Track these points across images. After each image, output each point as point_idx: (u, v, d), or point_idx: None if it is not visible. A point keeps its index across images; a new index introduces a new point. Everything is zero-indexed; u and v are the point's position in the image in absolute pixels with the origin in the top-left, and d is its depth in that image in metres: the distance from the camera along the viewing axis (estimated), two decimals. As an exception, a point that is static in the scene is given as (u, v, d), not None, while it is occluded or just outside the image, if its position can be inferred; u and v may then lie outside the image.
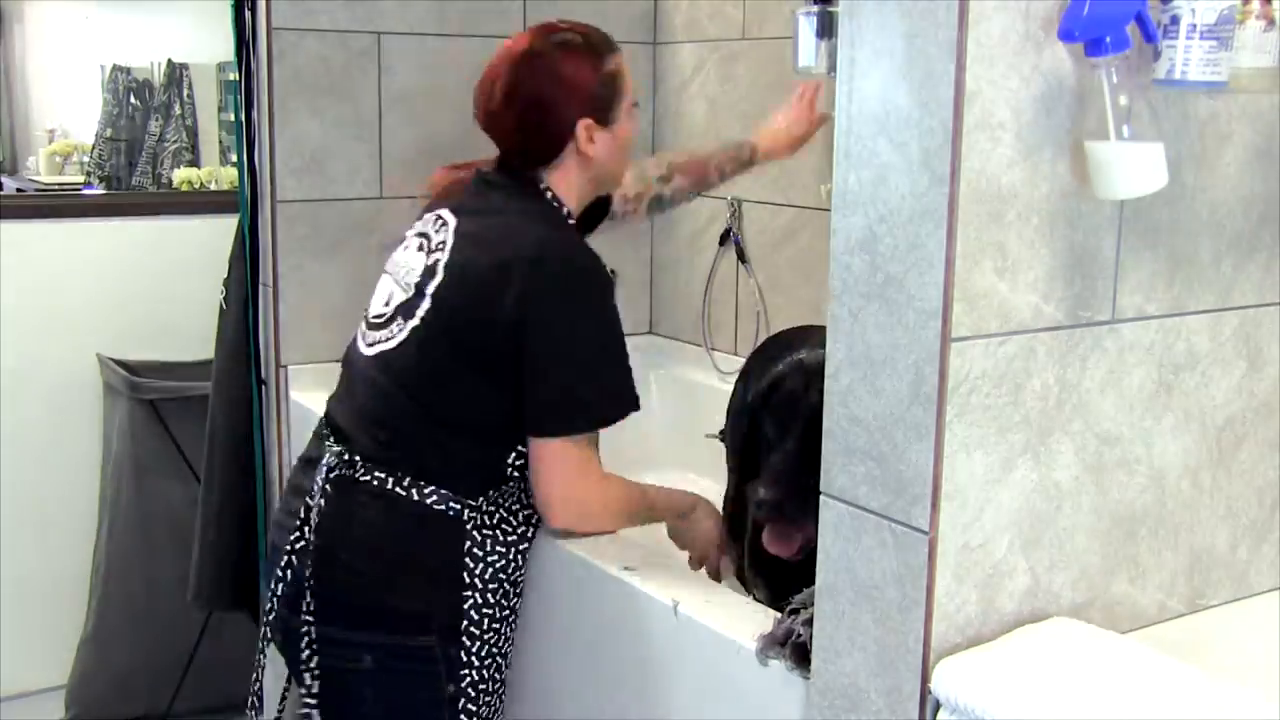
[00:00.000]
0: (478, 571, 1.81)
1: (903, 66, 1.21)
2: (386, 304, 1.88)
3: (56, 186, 4.70)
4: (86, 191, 4.48)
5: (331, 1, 2.54)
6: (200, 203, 3.49)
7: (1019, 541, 1.30)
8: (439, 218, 1.91)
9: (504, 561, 1.83)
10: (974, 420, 1.24)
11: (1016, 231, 1.23)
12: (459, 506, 1.79)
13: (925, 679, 1.25)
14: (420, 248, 1.89)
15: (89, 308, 3.13)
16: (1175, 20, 1.23)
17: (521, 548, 1.85)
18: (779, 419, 1.79)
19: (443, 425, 1.80)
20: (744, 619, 1.55)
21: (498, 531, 1.82)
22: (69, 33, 5.14)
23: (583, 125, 1.87)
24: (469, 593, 1.80)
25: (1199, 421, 1.44)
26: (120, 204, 3.52)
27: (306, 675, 1.83)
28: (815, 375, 1.72)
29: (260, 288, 2.59)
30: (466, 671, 1.82)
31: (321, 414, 1.96)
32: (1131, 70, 1.22)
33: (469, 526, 1.79)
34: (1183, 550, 1.46)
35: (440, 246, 1.85)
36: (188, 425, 2.93)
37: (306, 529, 1.82)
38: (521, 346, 1.74)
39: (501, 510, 1.83)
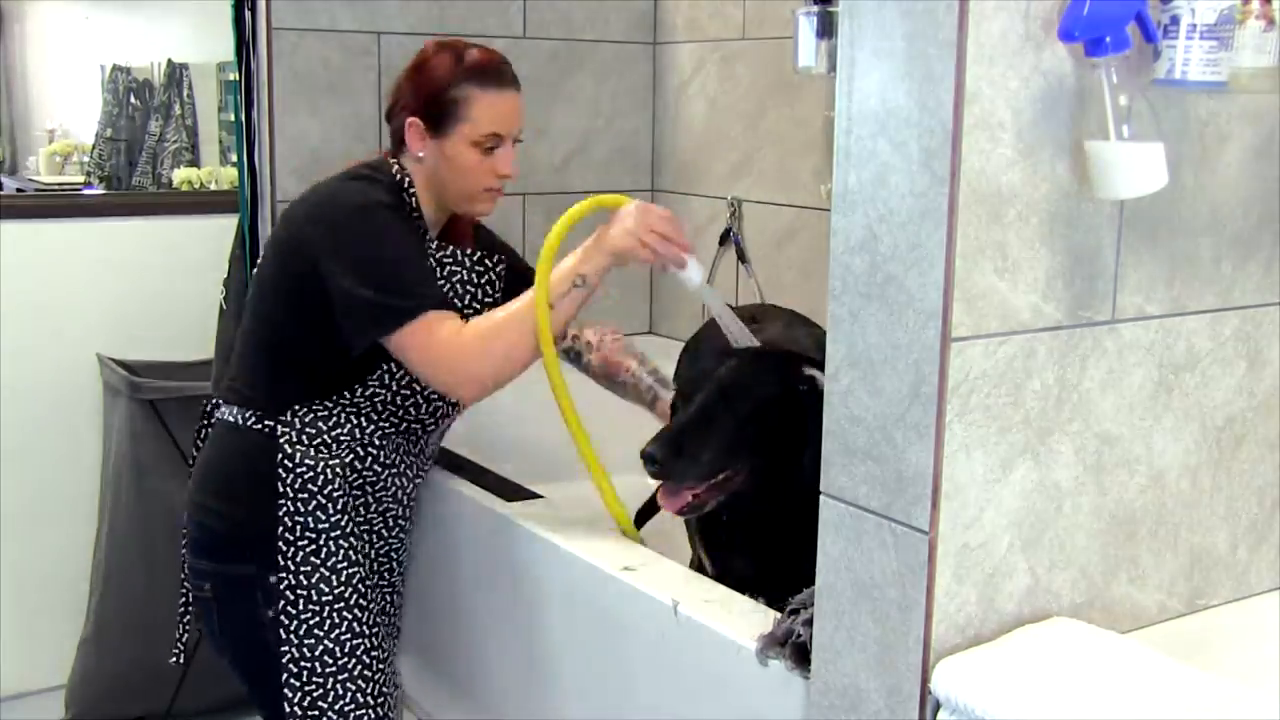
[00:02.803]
0: (289, 481, 1.94)
1: (903, 66, 1.21)
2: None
3: (56, 186, 4.70)
4: (86, 191, 4.48)
5: (331, 1, 2.54)
6: (200, 203, 3.48)
7: (1019, 541, 1.30)
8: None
9: (313, 474, 1.95)
10: (974, 420, 1.24)
11: (1016, 231, 1.23)
12: (272, 423, 1.96)
13: (925, 679, 1.25)
14: None
15: (89, 308, 3.13)
16: (1175, 20, 1.23)
17: (334, 465, 1.96)
18: (690, 391, 1.86)
19: (264, 351, 2.01)
20: (744, 619, 1.55)
21: (312, 448, 1.96)
22: (69, 33, 5.15)
23: (410, 122, 1.99)
24: (282, 501, 1.94)
25: (1199, 421, 1.44)
26: (120, 204, 3.51)
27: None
28: (736, 354, 1.86)
29: (260, 288, 2.58)
30: (287, 590, 1.93)
31: None
32: (1131, 70, 1.22)
33: (281, 440, 1.95)
34: (1183, 550, 1.47)
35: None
36: (188, 425, 2.92)
37: (191, 474, 2.09)
38: (320, 276, 1.89)
39: (323, 436, 1.97)
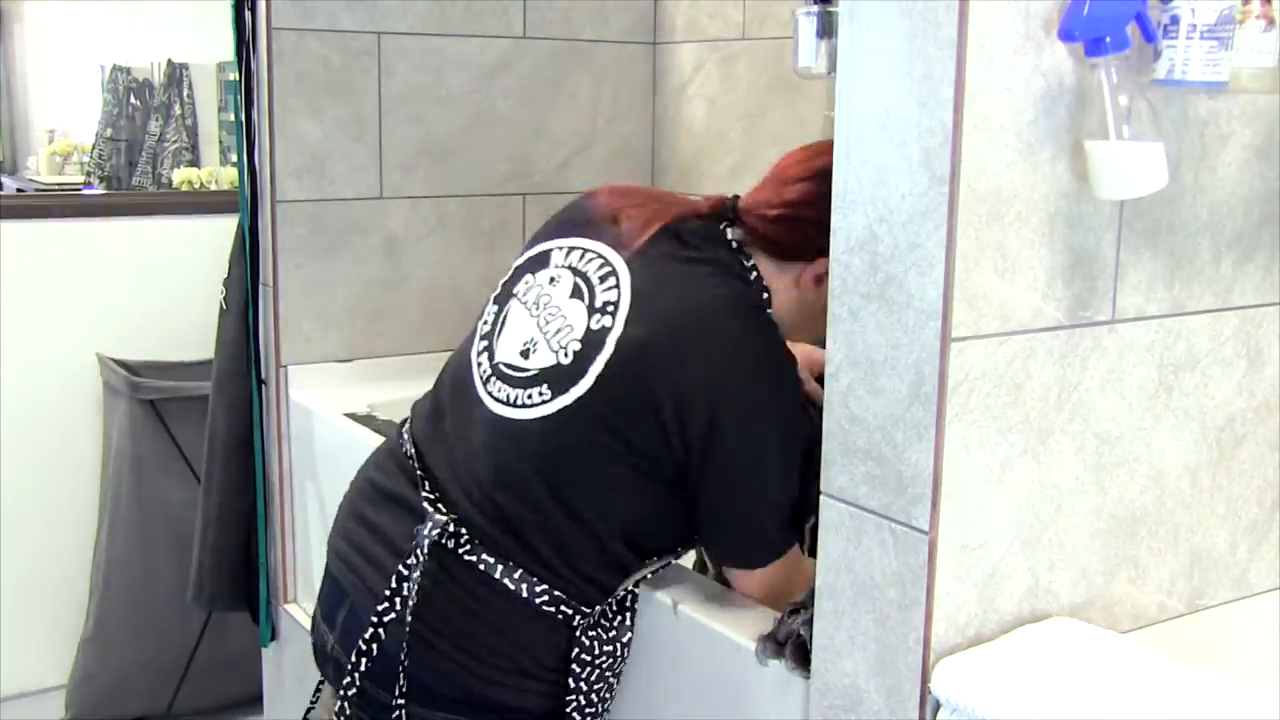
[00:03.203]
0: (584, 675, 1.62)
1: (903, 66, 1.21)
2: (525, 354, 1.60)
3: (56, 186, 4.70)
4: (86, 191, 4.48)
5: (331, 1, 2.54)
6: (200, 203, 3.49)
7: (1019, 541, 1.30)
8: (604, 262, 1.61)
9: (610, 660, 1.64)
10: (974, 420, 1.24)
11: (1016, 231, 1.23)
12: (570, 611, 1.58)
13: (925, 679, 1.25)
14: (576, 293, 1.60)
15: (89, 308, 3.13)
16: (1175, 20, 1.23)
17: (625, 639, 1.66)
18: None
19: (573, 518, 1.56)
20: (744, 619, 1.55)
21: (606, 633, 1.64)
22: (69, 33, 5.15)
23: (821, 262, 1.55)
24: (573, 696, 1.62)
25: (1199, 421, 1.44)
26: (120, 204, 3.52)
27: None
28: None
29: (260, 288, 2.59)
30: None
31: (407, 440, 1.70)
32: (1131, 70, 1.22)
33: (578, 632, 1.60)
34: (1183, 550, 1.47)
35: (609, 309, 1.56)
36: (188, 425, 2.94)
37: (398, 600, 1.60)
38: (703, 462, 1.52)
39: (619, 609, 1.65)
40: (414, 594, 1.58)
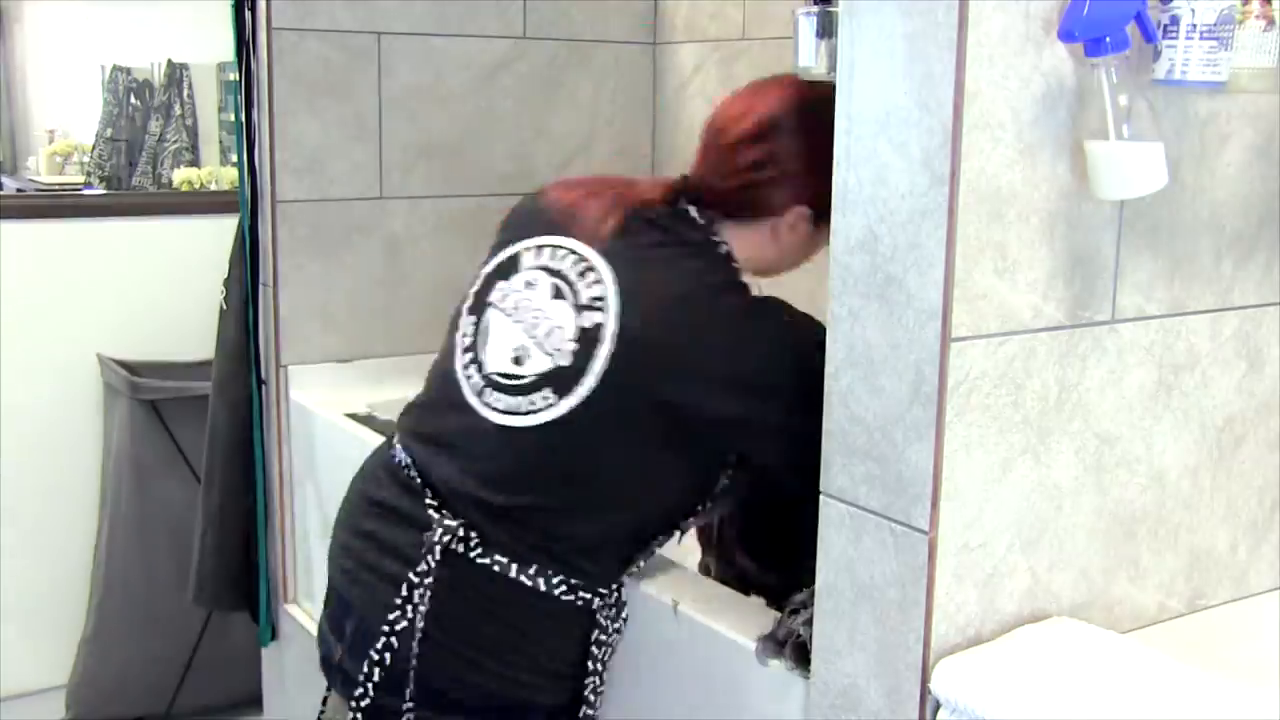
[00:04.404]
0: (601, 656, 1.64)
1: (903, 66, 1.21)
2: (518, 361, 1.59)
3: (56, 186, 4.70)
4: (86, 191, 4.48)
5: (331, 1, 2.54)
6: (200, 203, 3.49)
7: (1019, 541, 1.30)
8: (580, 258, 1.60)
9: (618, 639, 1.67)
10: (974, 420, 1.24)
11: (1016, 231, 1.23)
12: (589, 595, 1.59)
13: (925, 679, 1.25)
14: (557, 293, 1.58)
15: (89, 308, 3.13)
16: (1175, 20, 1.23)
17: (625, 618, 1.68)
18: None
19: (588, 513, 1.58)
20: (744, 619, 1.55)
21: (618, 610, 1.65)
22: (69, 33, 5.14)
23: (797, 211, 1.62)
24: (590, 679, 1.64)
25: (1199, 421, 1.45)
26: (120, 204, 3.52)
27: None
28: None
29: (260, 288, 2.59)
30: None
31: (401, 455, 1.69)
32: (1131, 70, 1.22)
33: (599, 616, 1.61)
34: (1183, 550, 1.47)
35: (597, 305, 1.55)
36: (188, 425, 2.93)
37: (409, 608, 1.58)
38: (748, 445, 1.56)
39: (625, 588, 1.67)
40: (426, 600, 1.57)
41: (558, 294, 1.59)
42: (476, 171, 2.72)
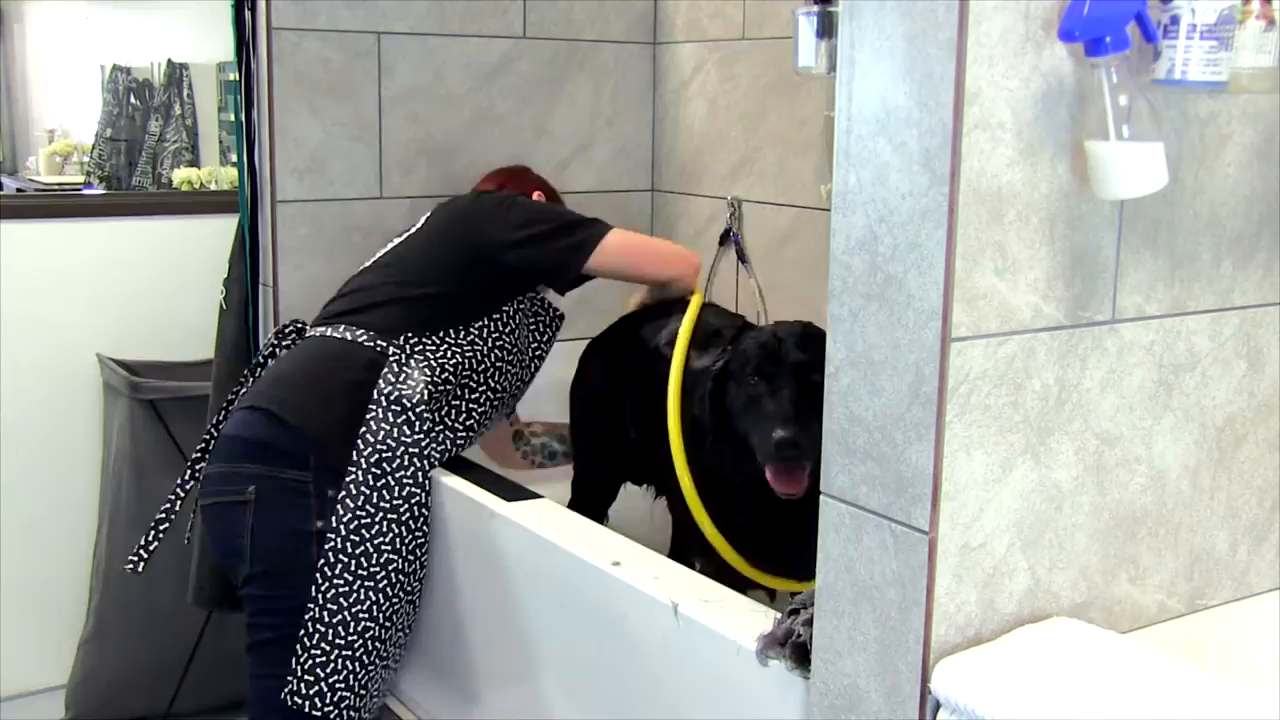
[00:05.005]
0: (385, 391, 2.09)
1: (903, 66, 1.21)
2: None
3: (56, 186, 4.70)
4: (86, 191, 4.48)
5: (331, 1, 2.54)
6: (200, 203, 3.49)
7: (1019, 541, 1.30)
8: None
9: (411, 390, 2.10)
10: (974, 420, 1.24)
11: (1016, 231, 1.23)
12: (385, 344, 2.14)
13: (925, 679, 1.25)
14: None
15: (89, 308, 3.13)
16: (1175, 20, 1.23)
17: (430, 389, 2.13)
18: (766, 373, 1.89)
19: (399, 294, 2.21)
20: (744, 619, 1.55)
21: (413, 369, 2.13)
22: (69, 33, 5.15)
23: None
24: (372, 406, 2.08)
25: (1199, 421, 1.44)
26: (120, 204, 3.51)
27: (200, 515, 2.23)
28: (788, 336, 1.91)
29: (260, 288, 2.59)
30: (346, 498, 2.03)
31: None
32: (1131, 70, 1.22)
33: (391, 359, 2.13)
34: (1183, 550, 1.47)
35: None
36: (188, 425, 2.93)
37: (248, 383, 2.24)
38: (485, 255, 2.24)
39: (428, 359, 2.16)
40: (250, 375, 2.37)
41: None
42: (476, 171, 2.72)
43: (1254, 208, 1.43)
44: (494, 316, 2.26)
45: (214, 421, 2.25)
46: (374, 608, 2.05)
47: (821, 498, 1.35)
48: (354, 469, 2.05)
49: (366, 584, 2.04)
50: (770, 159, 2.78)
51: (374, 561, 2.05)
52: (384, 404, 2.08)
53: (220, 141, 4.57)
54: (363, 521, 2.04)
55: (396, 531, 2.07)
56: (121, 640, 3.01)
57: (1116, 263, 1.32)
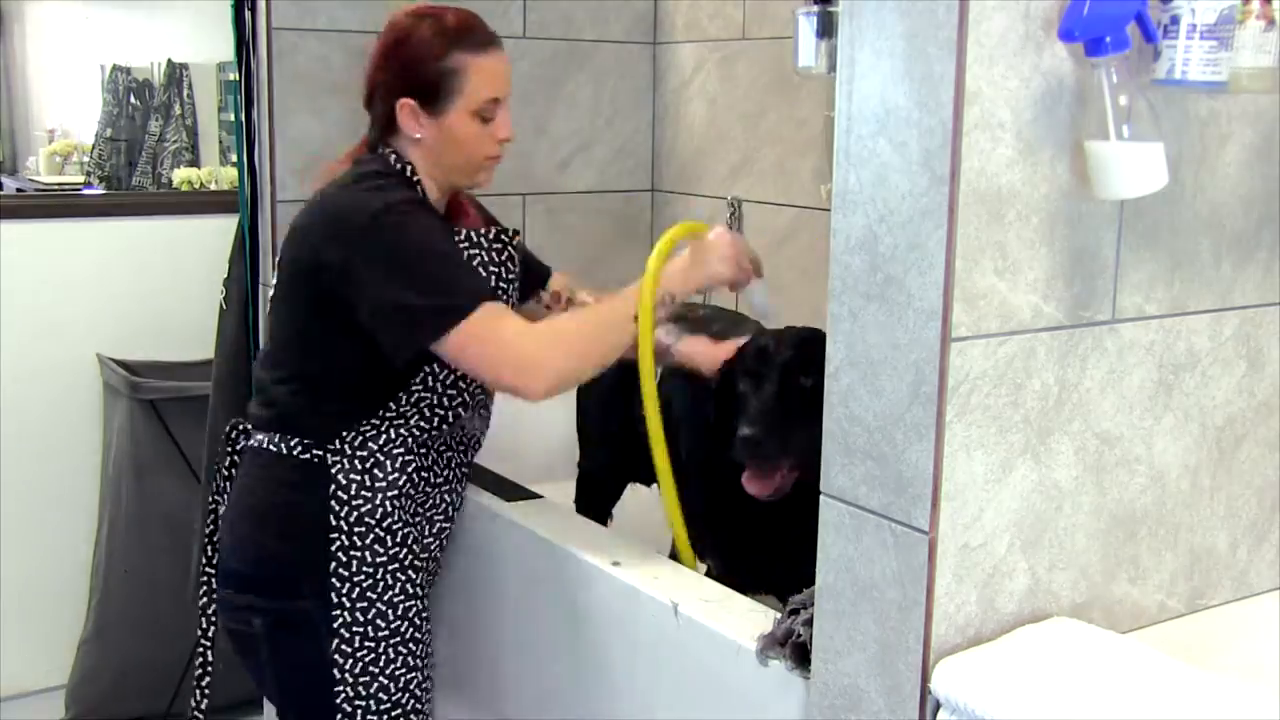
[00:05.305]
0: (343, 515, 1.87)
1: (903, 66, 1.21)
2: None
3: (56, 186, 4.70)
4: (86, 191, 4.48)
5: (331, 1, 2.54)
6: (200, 203, 3.49)
7: (1019, 541, 1.30)
8: None
9: (370, 507, 1.88)
10: (974, 420, 1.24)
11: (1016, 231, 1.23)
12: (320, 453, 1.87)
13: (925, 679, 1.25)
14: None
15: (89, 308, 3.13)
16: (1175, 20, 1.23)
17: (391, 495, 1.90)
18: (754, 373, 1.85)
19: (300, 378, 1.90)
20: (744, 619, 1.55)
21: (366, 477, 1.88)
22: (69, 33, 5.14)
23: (402, 103, 1.89)
24: (335, 535, 1.86)
25: (1199, 421, 1.44)
26: (120, 204, 3.52)
27: (222, 637, 2.04)
28: (786, 339, 1.87)
29: (260, 288, 2.59)
30: (342, 628, 1.88)
31: None
32: (1131, 70, 1.22)
33: (334, 471, 1.87)
34: (1183, 550, 1.47)
35: None
36: (188, 425, 2.93)
37: (220, 500, 2.03)
38: (349, 294, 1.80)
39: (376, 456, 1.89)
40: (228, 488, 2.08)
41: None
42: (476, 171, 2.72)
43: (1254, 208, 1.43)
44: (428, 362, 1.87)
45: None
46: (406, 664, 1.95)
47: (821, 498, 1.35)
48: (339, 611, 1.88)
49: (393, 713, 1.93)
50: (770, 159, 2.78)
51: (393, 690, 1.93)
52: (346, 529, 1.87)
53: (220, 141, 4.57)
54: (367, 662, 1.90)
55: (409, 650, 1.93)
56: (121, 640, 3.01)
57: (1116, 263, 1.32)
